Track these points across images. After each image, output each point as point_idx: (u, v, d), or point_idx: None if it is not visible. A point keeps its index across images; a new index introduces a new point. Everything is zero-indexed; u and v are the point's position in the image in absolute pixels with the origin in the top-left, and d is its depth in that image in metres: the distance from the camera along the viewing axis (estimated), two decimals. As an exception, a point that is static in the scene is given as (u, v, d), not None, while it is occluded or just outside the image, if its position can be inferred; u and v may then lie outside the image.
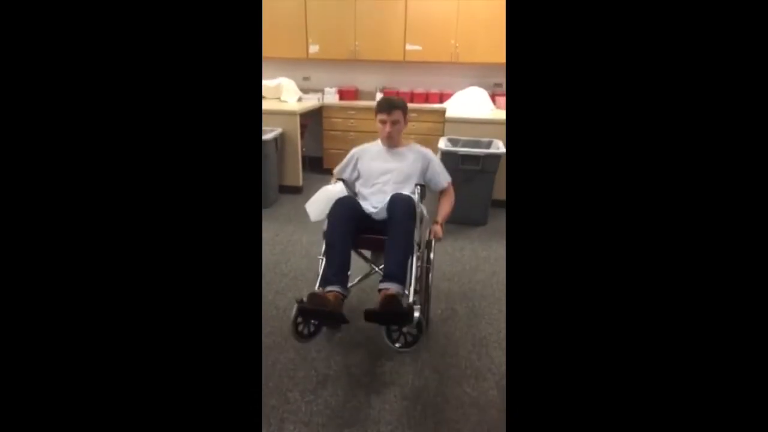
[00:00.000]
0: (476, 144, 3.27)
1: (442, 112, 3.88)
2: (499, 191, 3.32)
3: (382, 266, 1.71)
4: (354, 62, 4.49)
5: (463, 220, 3.21)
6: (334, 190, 1.90)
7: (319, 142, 4.56)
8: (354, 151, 2.09)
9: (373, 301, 1.77)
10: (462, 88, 4.19)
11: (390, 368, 1.77)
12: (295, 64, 4.61)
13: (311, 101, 4.27)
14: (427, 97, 4.41)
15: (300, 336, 1.59)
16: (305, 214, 1.90)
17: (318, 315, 1.55)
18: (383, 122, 1.94)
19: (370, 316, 1.50)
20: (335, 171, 2.13)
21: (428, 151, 2.06)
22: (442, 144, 3.20)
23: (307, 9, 4.23)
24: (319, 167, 4.57)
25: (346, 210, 1.78)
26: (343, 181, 2.04)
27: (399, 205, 1.75)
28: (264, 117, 3.58)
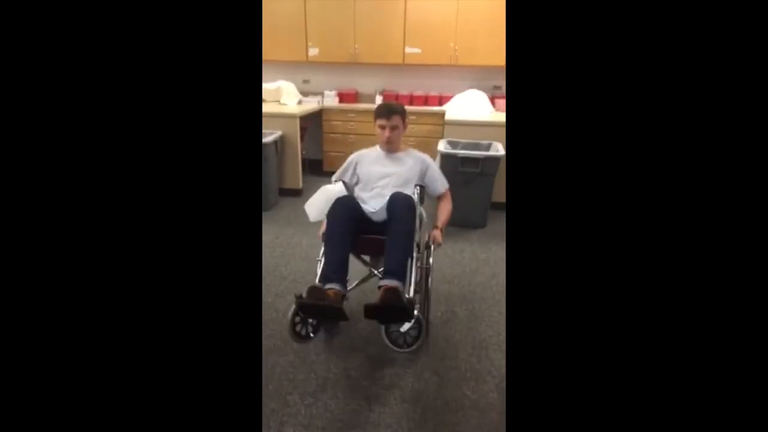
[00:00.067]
0: (476, 146, 3.27)
1: (442, 114, 3.89)
2: (499, 194, 3.33)
3: (382, 269, 1.70)
4: (353, 65, 4.51)
5: (462, 222, 3.21)
6: (333, 190, 1.89)
7: (319, 145, 4.57)
8: (353, 156, 2.09)
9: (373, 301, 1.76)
10: (461, 90, 4.21)
11: (390, 371, 1.76)
12: (294, 67, 4.62)
13: (311, 104, 4.28)
14: (426, 100, 4.42)
15: (298, 336, 1.58)
16: (305, 217, 1.90)
17: (317, 309, 1.53)
18: (382, 127, 1.95)
19: (371, 311, 1.49)
20: (334, 178, 2.12)
21: (426, 157, 2.07)
22: (442, 146, 3.20)
23: (307, 12, 4.25)
24: (319, 170, 4.58)
25: (346, 210, 1.78)
26: (343, 182, 2.04)
27: (399, 203, 1.74)
28: (264, 120, 3.58)
